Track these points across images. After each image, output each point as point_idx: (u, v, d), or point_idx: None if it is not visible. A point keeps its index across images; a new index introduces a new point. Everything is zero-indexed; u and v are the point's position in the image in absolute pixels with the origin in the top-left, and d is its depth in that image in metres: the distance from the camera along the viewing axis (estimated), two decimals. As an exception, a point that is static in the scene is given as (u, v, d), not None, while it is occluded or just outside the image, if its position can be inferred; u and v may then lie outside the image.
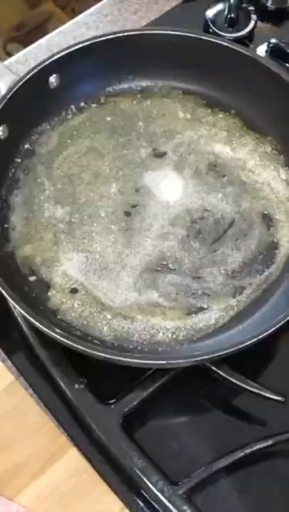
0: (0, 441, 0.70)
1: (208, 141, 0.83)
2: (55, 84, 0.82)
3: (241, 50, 0.82)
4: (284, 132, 0.82)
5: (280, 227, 0.78)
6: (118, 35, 0.83)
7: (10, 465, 0.69)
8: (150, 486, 0.66)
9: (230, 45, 0.82)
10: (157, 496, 0.66)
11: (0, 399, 0.72)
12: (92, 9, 0.99)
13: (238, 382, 0.70)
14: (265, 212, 0.79)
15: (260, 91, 0.82)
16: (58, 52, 0.81)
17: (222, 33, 0.93)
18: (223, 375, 0.70)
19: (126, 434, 0.68)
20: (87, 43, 0.82)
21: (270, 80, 0.80)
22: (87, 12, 0.99)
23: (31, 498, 0.67)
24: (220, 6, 0.95)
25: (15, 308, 0.74)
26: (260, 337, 0.66)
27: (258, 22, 0.95)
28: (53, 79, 0.82)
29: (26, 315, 0.66)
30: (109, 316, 0.72)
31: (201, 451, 0.70)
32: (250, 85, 0.82)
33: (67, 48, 0.81)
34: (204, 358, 0.66)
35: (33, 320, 0.66)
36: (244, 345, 0.65)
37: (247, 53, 0.81)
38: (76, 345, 0.65)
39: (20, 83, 0.78)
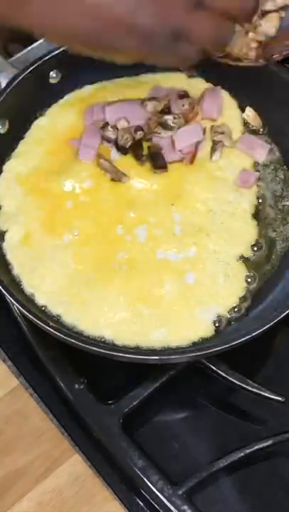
0: (3, 445, 0.70)
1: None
2: (55, 79, 0.83)
3: None
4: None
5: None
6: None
7: (12, 469, 0.69)
8: (150, 485, 0.66)
9: None
10: (157, 495, 0.66)
11: (3, 403, 0.72)
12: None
13: (238, 382, 0.70)
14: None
15: (259, 89, 0.82)
16: (58, 48, 0.81)
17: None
18: (223, 374, 0.70)
19: (126, 434, 0.68)
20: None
21: (270, 78, 0.80)
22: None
23: (33, 503, 0.67)
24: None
25: (15, 308, 0.74)
26: (253, 334, 0.66)
27: (258, 22, 0.95)
28: (53, 74, 0.82)
29: (22, 309, 0.67)
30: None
31: (201, 451, 0.70)
32: (249, 83, 0.82)
33: None
34: (197, 354, 0.67)
35: (27, 313, 0.66)
36: (238, 342, 0.65)
37: None
38: (68, 339, 0.65)
39: (20, 77, 0.79)
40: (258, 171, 0.80)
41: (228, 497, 0.69)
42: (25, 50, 0.95)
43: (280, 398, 0.69)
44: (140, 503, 0.68)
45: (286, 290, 0.72)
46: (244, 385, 0.70)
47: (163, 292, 0.71)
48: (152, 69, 0.84)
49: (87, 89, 0.85)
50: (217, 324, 0.71)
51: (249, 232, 0.76)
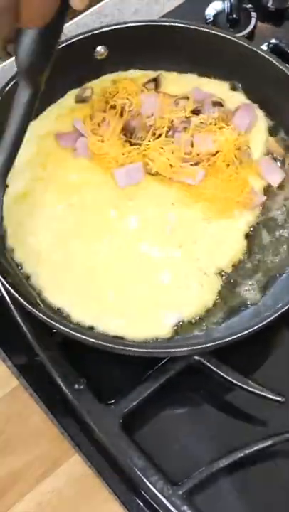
0: (3, 445, 0.70)
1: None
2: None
3: (241, 42, 0.83)
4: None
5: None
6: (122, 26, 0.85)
7: (12, 470, 0.69)
8: (150, 486, 0.66)
9: (231, 38, 0.84)
10: (157, 495, 0.66)
11: (3, 403, 0.72)
12: (92, 9, 0.99)
13: (239, 383, 0.70)
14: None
15: (259, 80, 0.83)
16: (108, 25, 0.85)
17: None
18: (223, 374, 0.70)
19: (126, 434, 0.68)
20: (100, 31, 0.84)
21: (268, 70, 0.82)
22: (87, 12, 0.98)
23: (33, 504, 0.67)
24: (220, 7, 0.95)
25: (16, 309, 0.74)
26: (250, 330, 0.66)
27: (258, 22, 0.96)
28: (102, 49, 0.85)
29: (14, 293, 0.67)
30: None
31: (201, 451, 0.70)
32: (250, 74, 0.83)
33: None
34: (193, 348, 0.67)
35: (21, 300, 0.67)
36: (235, 337, 0.66)
37: (247, 45, 0.83)
38: (63, 328, 0.66)
39: (66, 43, 0.81)
40: (266, 195, 0.79)
41: (228, 497, 0.69)
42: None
43: (280, 398, 0.69)
44: (140, 503, 0.68)
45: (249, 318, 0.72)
46: (244, 385, 0.70)
47: (135, 283, 0.72)
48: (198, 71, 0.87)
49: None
50: (176, 328, 0.71)
51: (236, 251, 0.76)
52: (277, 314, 0.68)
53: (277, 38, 0.93)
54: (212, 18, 0.95)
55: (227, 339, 0.66)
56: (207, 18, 0.95)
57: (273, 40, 0.93)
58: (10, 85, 0.78)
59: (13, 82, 0.78)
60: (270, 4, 0.98)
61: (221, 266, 0.75)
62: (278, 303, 0.69)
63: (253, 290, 0.74)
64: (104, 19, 0.98)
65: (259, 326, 0.67)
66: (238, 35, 0.94)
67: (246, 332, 0.66)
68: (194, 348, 0.68)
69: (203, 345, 0.67)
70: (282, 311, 0.68)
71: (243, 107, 0.83)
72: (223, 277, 0.74)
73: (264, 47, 0.92)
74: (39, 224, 0.74)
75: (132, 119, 0.80)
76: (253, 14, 0.96)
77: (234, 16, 0.94)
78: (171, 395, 0.72)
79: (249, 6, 0.96)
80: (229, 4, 0.94)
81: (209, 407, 0.74)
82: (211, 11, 0.95)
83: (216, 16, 0.95)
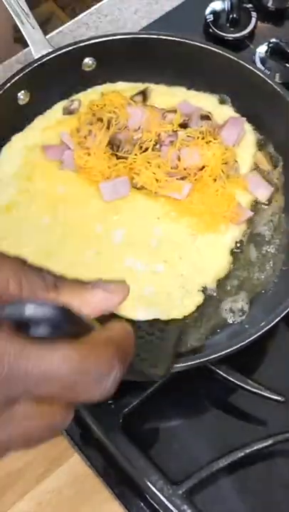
0: (2, 445, 0.70)
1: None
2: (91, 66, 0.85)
3: (226, 54, 0.82)
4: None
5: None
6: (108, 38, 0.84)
7: (12, 470, 0.69)
8: (150, 486, 0.66)
9: (219, 51, 0.83)
10: (157, 495, 0.66)
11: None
12: (92, 9, 0.99)
13: (239, 382, 0.70)
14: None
15: (248, 94, 0.83)
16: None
17: (222, 33, 0.94)
18: (224, 375, 0.70)
19: (126, 434, 0.68)
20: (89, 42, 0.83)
21: (256, 84, 0.81)
22: (87, 12, 0.99)
23: (33, 503, 0.67)
24: (220, 6, 0.95)
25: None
26: (232, 348, 0.66)
27: (259, 22, 0.96)
28: (89, 60, 0.84)
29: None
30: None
31: (201, 451, 0.70)
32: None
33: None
34: (197, 362, 0.66)
35: None
36: (216, 355, 0.66)
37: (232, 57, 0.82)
38: None
39: (55, 54, 0.80)
40: (253, 210, 0.78)
41: (228, 497, 0.69)
42: (24, 50, 0.95)
43: (280, 398, 0.69)
44: (140, 503, 0.68)
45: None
46: (244, 385, 0.70)
47: None
48: (187, 84, 0.86)
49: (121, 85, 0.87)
50: None
51: (221, 267, 0.75)
52: (260, 333, 0.66)
53: (278, 38, 0.93)
54: (212, 18, 0.95)
55: (206, 358, 0.66)
56: (207, 18, 0.95)
57: (273, 40, 0.93)
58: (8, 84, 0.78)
59: (13, 81, 0.78)
60: (270, 4, 0.98)
61: (205, 282, 0.73)
62: (262, 321, 0.68)
63: (237, 307, 0.73)
64: (104, 19, 0.98)
65: (241, 344, 0.66)
66: (239, 34, 0.94)
67: (228, 351, 0.66)
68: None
69: (181, 364, 0.66)
70: (266, 329, 0.67)
71: (232, 120, 0.82)
72: (207, 294, 0.73)
73: (264, 46, 0.93)
74: (23, 237, 0.73)
75: (118, 132, 0.79)
76: (253, 14, 0.95)
77: (234, 15, 0.94)
78: (171, 395, 0.72)
79: (249, 5, 0.96)
80: (229, 4, 0.94)
81: (209, 407, 0.74)
82: (211, 10, 0.95)
83: (216, 15, 0.95)
